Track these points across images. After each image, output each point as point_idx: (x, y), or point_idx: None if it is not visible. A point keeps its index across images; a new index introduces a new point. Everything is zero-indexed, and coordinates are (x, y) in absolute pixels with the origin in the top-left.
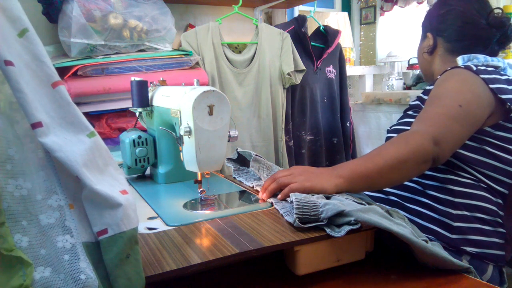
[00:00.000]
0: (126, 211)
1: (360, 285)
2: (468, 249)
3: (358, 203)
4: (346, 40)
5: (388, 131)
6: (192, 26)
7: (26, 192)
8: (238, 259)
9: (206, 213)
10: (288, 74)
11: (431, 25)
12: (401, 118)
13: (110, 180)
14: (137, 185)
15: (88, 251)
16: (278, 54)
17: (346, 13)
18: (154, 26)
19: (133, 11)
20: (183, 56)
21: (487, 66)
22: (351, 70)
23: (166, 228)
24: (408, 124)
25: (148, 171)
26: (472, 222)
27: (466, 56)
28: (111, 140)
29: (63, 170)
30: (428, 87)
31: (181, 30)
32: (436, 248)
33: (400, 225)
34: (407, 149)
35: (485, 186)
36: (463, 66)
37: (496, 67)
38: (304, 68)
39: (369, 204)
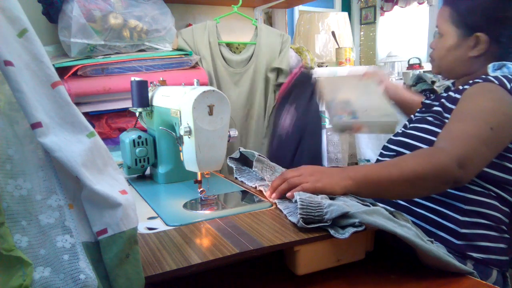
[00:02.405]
0: (126, 211)
1: (360, 285)
2: (474, 255)
3: (362, 204)
4: (346, 40)
5: (405, 134)
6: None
7: (26, 192)
8: (238, 259)
9: (206, 213)
10: (280, 71)
11: (488, 26)
12: (419, 121)
13: (109, 180)
14: (137, 185)
15: (88, 251)
16: (275, 56)
17: (346, 13)
18: (154, 26)
19: (133, 11)
20: (183, 56)
21: None
22: (351, 70)
23: (166, 228)
24: (429, 132)
25: (148, 171)
26: (478, 229)
27: (497, 64)
28: (111, 140)
29: (62, 170)
30: (452, 94)
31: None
32: (440, 251)
33: (404, 227)
34: (428, 166)
35: (494, 194)
36: (497, 82)
37: None
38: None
39: (373, 205)
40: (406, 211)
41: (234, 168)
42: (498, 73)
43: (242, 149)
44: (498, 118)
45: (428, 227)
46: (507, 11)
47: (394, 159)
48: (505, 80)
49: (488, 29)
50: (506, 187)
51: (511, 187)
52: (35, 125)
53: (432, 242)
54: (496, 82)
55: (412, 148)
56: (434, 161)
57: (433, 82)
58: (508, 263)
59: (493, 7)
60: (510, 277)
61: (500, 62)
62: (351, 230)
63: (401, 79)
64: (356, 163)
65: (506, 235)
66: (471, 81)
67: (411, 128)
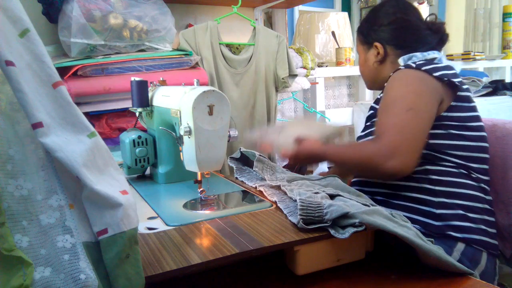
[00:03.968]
0: (126, 211)
1: (360, 285)
2: (453, 234)
3: (363, 204)
4: (346, 40)
5: (358, 139)
6: (192, 26)
7: (27, 192)
8: (238, 259)
9: (206, 213)
10: (283, 78)
11: (378, 35)
12: (364, 129)
13: (110, 180)
14: (137, 185)
15: (88, 251)
16: (273, 57)
17: (346, 13)
18: (154, 26)
19: (133, 11)
20: (183, 56)
21: (426, 60)
22: (351, 70)
23: (166, 228)
24: (372, 134)
25: (148, 171)
26: (454, 209)
27: (406, 57)
28: (111, 140)
29: (63, 170)
30: (379, 96)
31: (181, 30)
32: (440, 251)
33: (404, 227)
34: (358, 157)
35: (465, 172)
36: (414, 66)
37: (433, 59)
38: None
39: (372, 205)
40: (387, 204)
41: (235, 168)
42: (408, 63)
43: (242, 149)
44: (410, 98)
45: (408, 214)
46: (386, 19)
47: (346, 145)
48: (410, 63)
49: (379, 38)
50: (469, 155)
51: (473, 153)
52: (36, 125)
53: (432, 242)
54: (414, 66)
55: None
56: (362, 154)
57: None
58: (497, 248)
59: (376, 19)
60: (507, 273)
61: (408, 55)
62: (351, 230)
63: None
64: None
65: (487, 217)
66: (391, 74)
67: (363, 136)
